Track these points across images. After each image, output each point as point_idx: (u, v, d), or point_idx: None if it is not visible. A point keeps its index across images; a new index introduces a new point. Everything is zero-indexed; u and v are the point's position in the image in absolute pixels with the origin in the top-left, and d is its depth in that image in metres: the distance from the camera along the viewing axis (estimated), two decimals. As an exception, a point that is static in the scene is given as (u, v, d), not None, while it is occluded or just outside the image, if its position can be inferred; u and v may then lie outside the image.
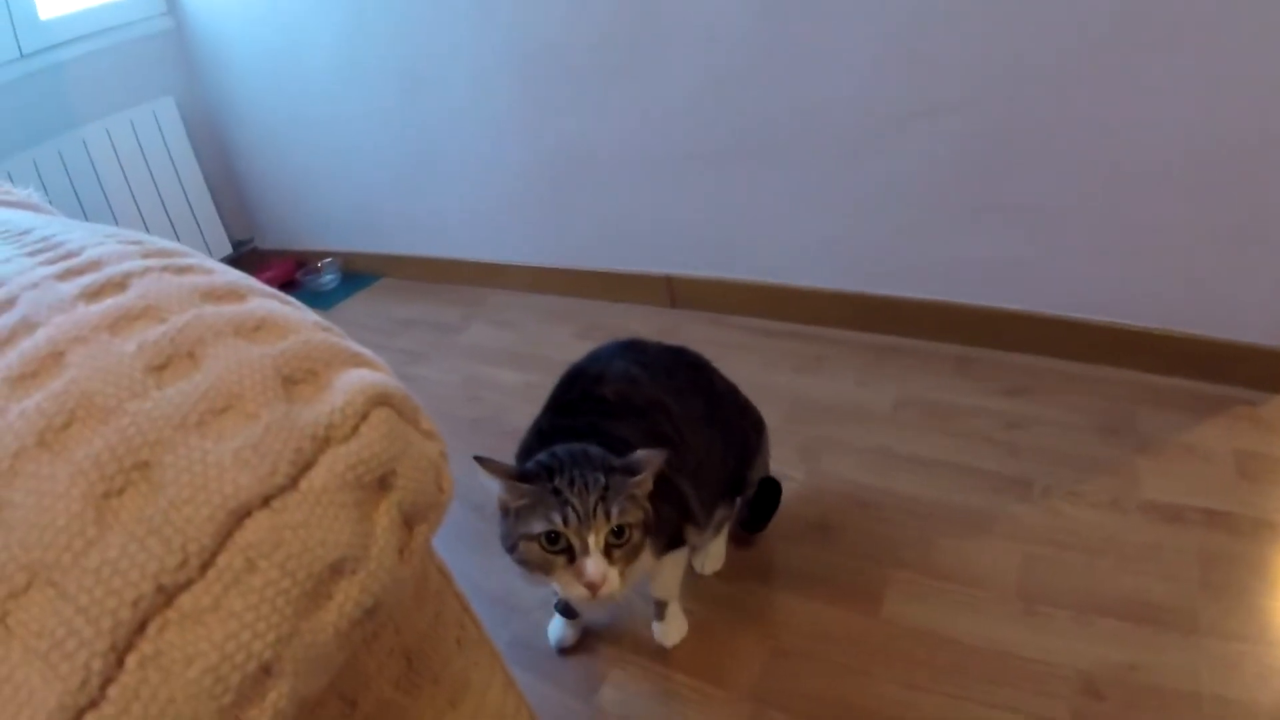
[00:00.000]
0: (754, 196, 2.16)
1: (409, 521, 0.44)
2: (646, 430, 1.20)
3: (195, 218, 3.01)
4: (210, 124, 3.10)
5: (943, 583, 1.42)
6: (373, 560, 0.41)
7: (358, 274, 3.09)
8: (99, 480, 0.36)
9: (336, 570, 0.39)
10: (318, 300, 2.88)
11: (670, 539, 1.23)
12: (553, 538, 1.02)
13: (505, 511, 1.08)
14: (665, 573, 1.31)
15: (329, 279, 3.03)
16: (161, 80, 2.93)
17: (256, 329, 0.45)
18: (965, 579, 1.42)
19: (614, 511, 1.02)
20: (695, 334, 2.26)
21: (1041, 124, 1.75)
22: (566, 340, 2.38)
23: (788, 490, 1.60)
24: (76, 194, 2.66)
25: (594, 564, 1.01)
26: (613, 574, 1.02)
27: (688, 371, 1.38)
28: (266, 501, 0.37)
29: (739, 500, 1.51)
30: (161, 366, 0.41)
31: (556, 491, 1.02)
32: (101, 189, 2.74)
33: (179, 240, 0.67)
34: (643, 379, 1.28)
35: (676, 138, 2.18)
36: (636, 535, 1.06)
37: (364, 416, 0.42)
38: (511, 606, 1.52)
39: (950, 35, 1.75)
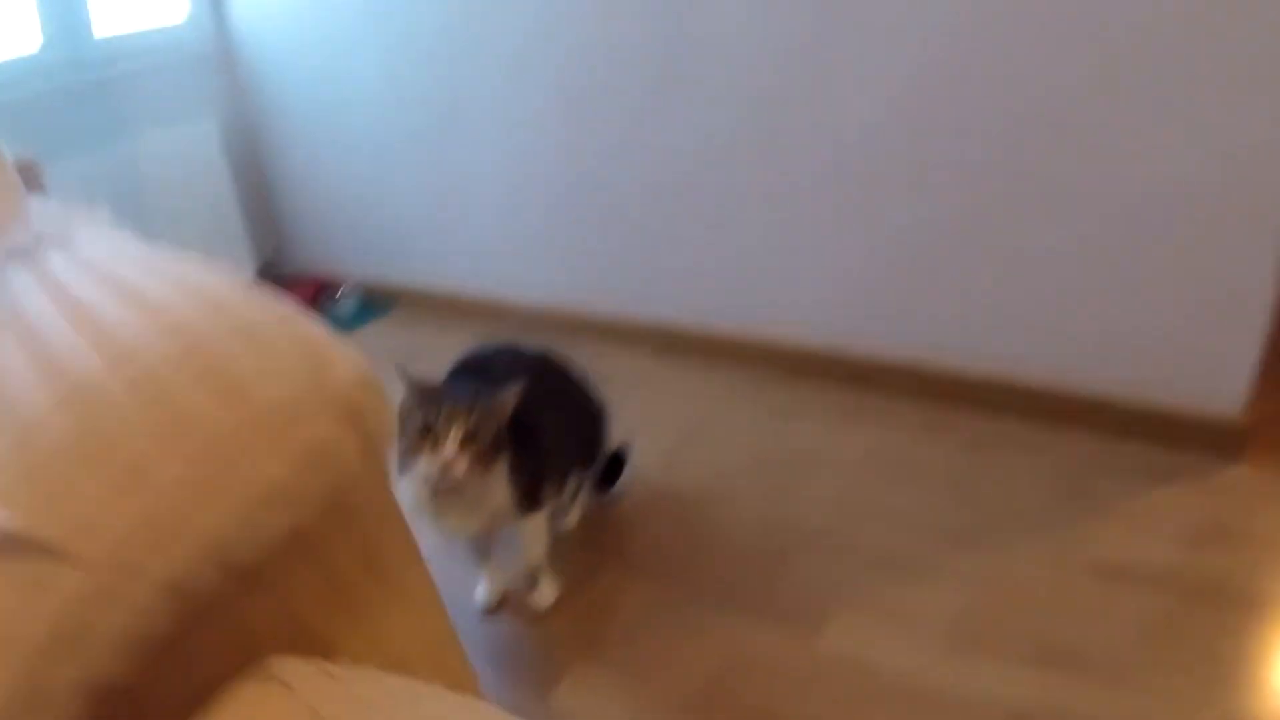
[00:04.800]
0: (749, 254, 2.28)
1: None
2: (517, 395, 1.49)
3: (224, 236, 3.14)
4: (248, 145, 3.26)
5: (884, 620, 1.48)
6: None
7: (377, 302, 3.22)
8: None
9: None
10: (336, 325, 2.97)
11: (529, 496, 1.50)
12: (425, 430, 1.33)
13: (401, 423, 1.37)
14: (529, 534, 1.58)
15: (348, 305, 3.15)
16: (205, 100, 3.09)
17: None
18: (907, 619, 1.48)
19: (472, 420, 1.34)
20: (680, 379, 2.36)
21: (1018, 202, 1.86)
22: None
23: (753, 522, 1.68)
24: (114, 204, 2.79)
25: (449, 447, 1.32)
26: (461, 460, 1.32)
27: (551, 365, 1.73)
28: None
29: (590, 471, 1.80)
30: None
31: (436, 399, 1.36)
32: (139, 201, 2.88)
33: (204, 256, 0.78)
34: (516, 365, 1.62)
35: (688, 186, 2.31)
36: (486, 442, 1.36)
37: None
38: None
39: (938, 111, 1.88)
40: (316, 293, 3.27)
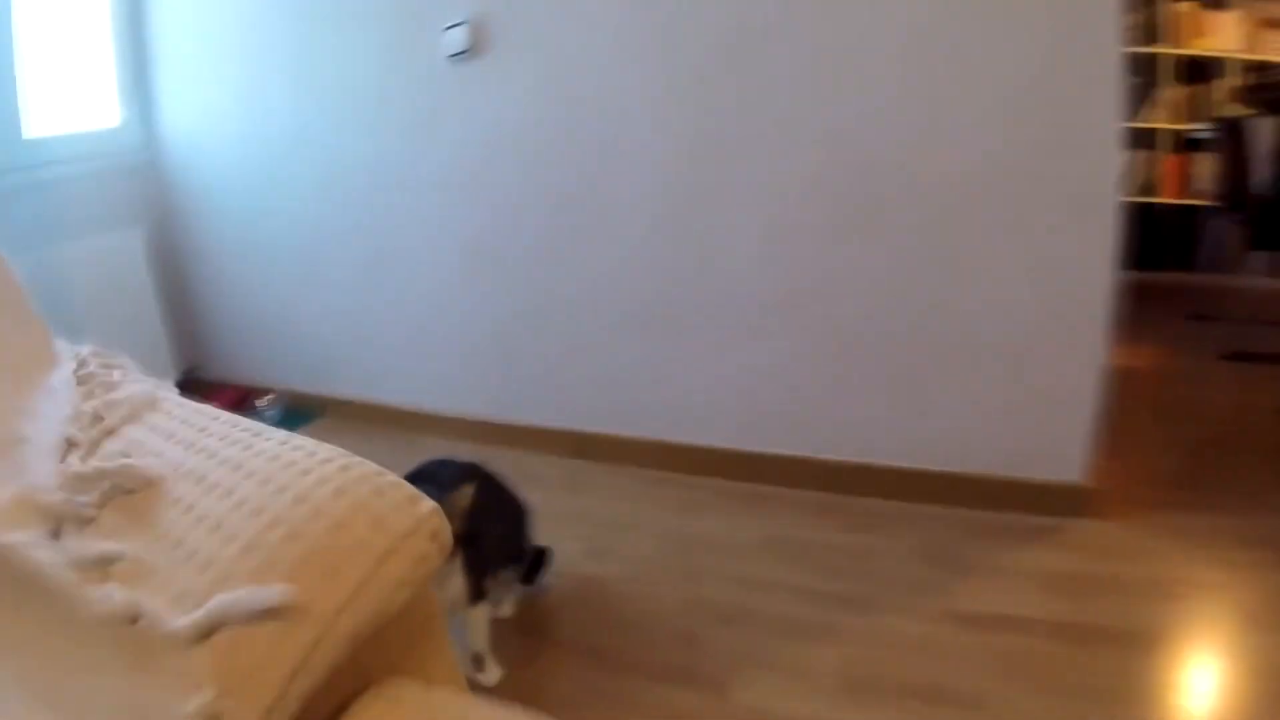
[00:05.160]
0: (655, 365, 2.59)
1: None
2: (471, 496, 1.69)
3: (147, 344, 3.18)
4: (174, 252, 3.34)
5: (785, 676, 1.75)
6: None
7: (299, 411, 3.35)
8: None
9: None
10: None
11: (476, 589, 1.72)
12: None
13: None
14: (476, 621, 1.78)
15: (270, 414, 3.29)
16: (133, 206, 3.16)
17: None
18: (804, 673, 1.75)
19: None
20: (597, 481, 2.64)
21: (882, 325, 2.28)
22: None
23: (669, 602, 1.95)
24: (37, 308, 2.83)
25: None
26: None
27: (483, 472, 1.93)
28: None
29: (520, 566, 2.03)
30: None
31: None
32: (63, 307, 2.82)
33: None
34: (458, 474, 1.81)
35: (597, 308, 2.61)
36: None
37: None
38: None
39: (809, 242, 2.29)
40: (239, 401, 3.38)
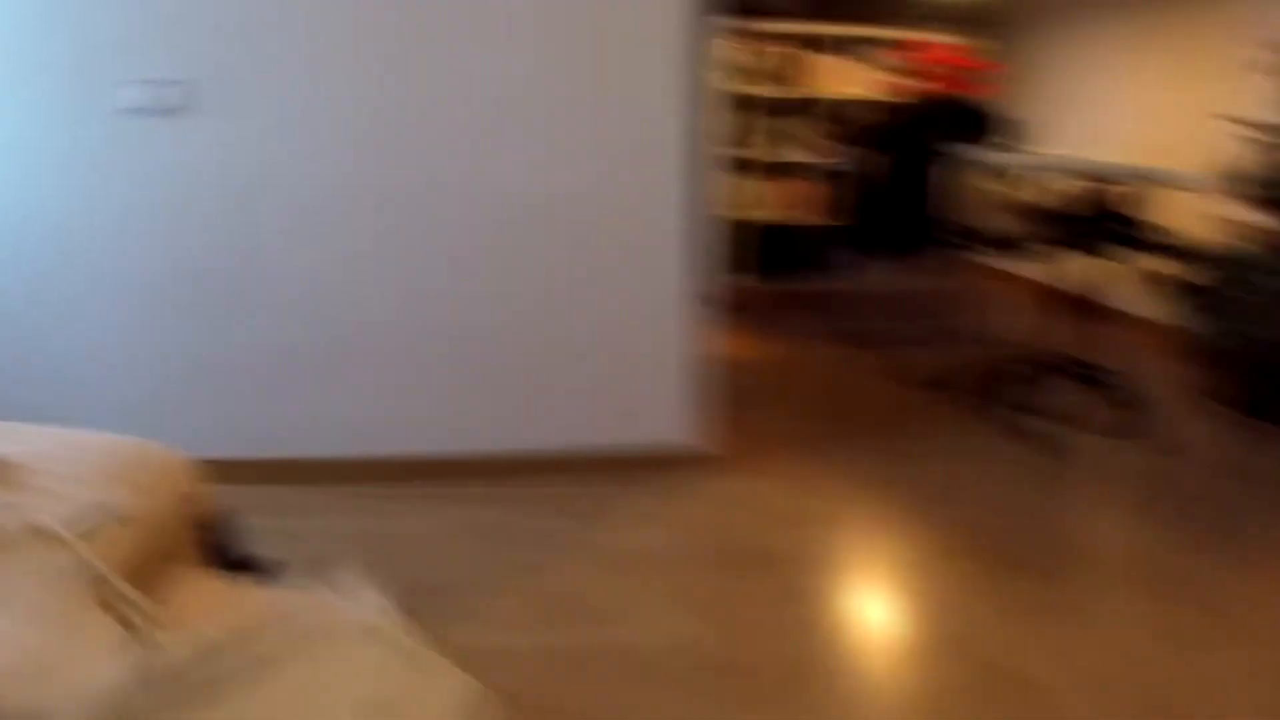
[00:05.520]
0: (329, 390, 2.68)
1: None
2: None
3: None
4: None
5: (482, 622, 1.95)
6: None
7: None
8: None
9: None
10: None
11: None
12: None
13: None
14: None
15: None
16: None
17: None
18: (498, 617, 1.97)
19: None
20: (295, 501, 2.66)
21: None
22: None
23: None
24: None
25: None
26: None
27: None
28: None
29: None
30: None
31: None
32: None
33: None
34: None
35: (278, 345, 2.64)
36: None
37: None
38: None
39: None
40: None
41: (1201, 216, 3.58)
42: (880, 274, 5.44)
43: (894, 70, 5.40)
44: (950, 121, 3.59)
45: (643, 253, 2.59)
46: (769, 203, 5.54)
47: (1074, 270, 3.19)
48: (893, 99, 5.26)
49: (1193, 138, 4.12)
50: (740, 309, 5.11)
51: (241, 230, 2.57)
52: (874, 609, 2.09)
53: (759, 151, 5.41)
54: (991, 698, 1.68)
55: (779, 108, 5.49)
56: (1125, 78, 4.98)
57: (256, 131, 2.49)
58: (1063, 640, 1.87)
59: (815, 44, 5.41)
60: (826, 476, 2.70)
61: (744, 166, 5.38)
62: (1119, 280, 3.38)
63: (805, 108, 5.42)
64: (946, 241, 3.66)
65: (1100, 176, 3.37)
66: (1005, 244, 3.74)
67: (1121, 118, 4.99)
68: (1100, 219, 3.16)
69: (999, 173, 4.92)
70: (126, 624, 0.87)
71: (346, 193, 2.54)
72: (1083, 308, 3.43)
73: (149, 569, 1.01)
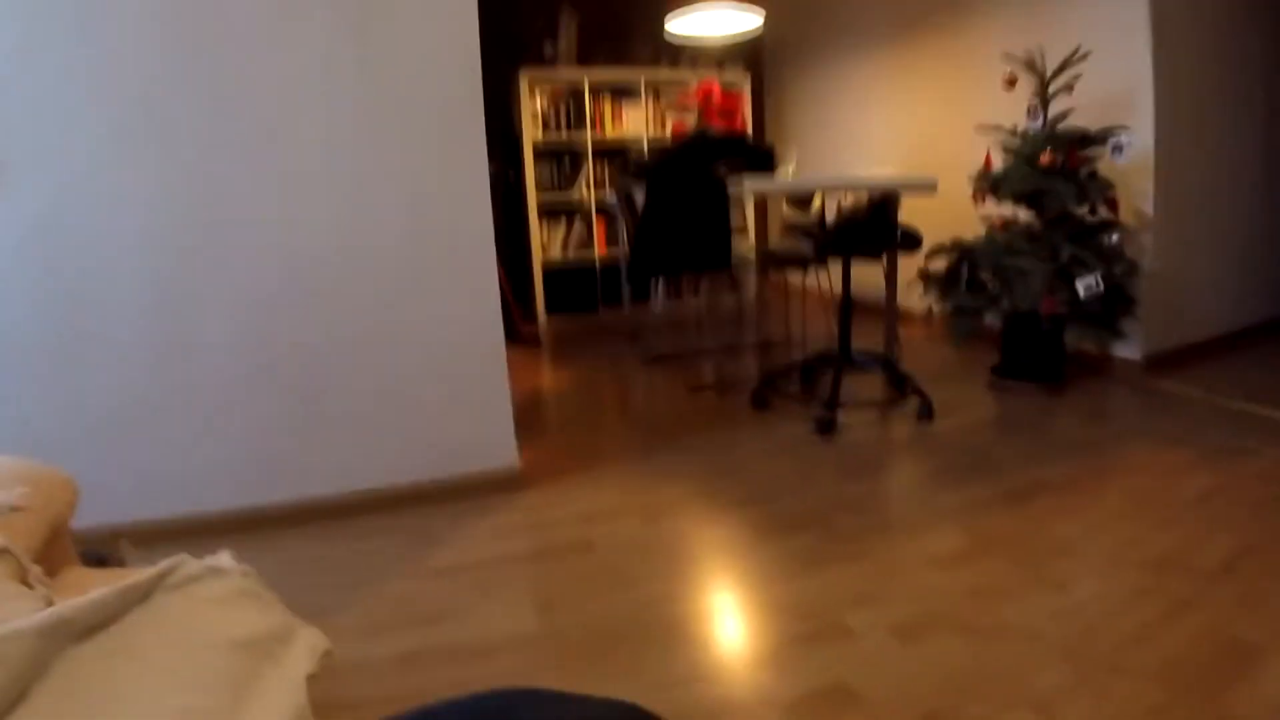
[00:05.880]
0: (169, 441, 2.61)
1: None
2: None
3: None
4: None
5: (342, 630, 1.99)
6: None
7: None
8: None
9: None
10: None
11: None
12: None
13: None
14: None
15: None
16: None
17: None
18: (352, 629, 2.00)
19: None
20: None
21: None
22: None
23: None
24: None
25: None
26: None
27: None
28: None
29: None
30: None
31: None
32: None
33: None
34: None
35: (105, 401, 2.56)
36: None
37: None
38: None
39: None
40: None
41: (959, 215, 4.14)
42: (669, 299, 5.81)
43: (674, 109, 5.84)
44: (717, 152, 3.93)
45: (456, 297, 2.73)
46: (564, 243, 5.80)
47: (848, 274, 3.55)
48: (669, 137, 5.68)
49: (954, 147, 4.72)
50: (545, 343, 5.31)
51: (61, 294, 2.50)
52: (679, 579, 2.26)
53: (554, 195, 5.67)
54: (806, 640, 1.87)
55: (567, 152, 5.78)
56: (888, 98, 5.55)
57: (61, 204, 2.46)
58: (846, 581, 2.12)
59: (601, 91, 5.76)
60: (631, 476, 2.93)
61: (542, 210, 5.62)
62: (890, 279, 3.82)
63: (595, 151, 5.74)
64: (725, 262, 4.00)
65: (855, 188, 3.81)
66: (783, 259, 4.12)
67: (888, 134, 5.57)
68: (863, 227, 3.56)
69: (770, 197, 5.39)
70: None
71: (166, 251, 2.53)
72: (858, 307, 3.84)
73: (40, 554, 1.12)
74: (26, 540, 1.09)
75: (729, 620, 2.02)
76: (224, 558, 1.07)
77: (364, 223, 2.62)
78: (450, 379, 2.76)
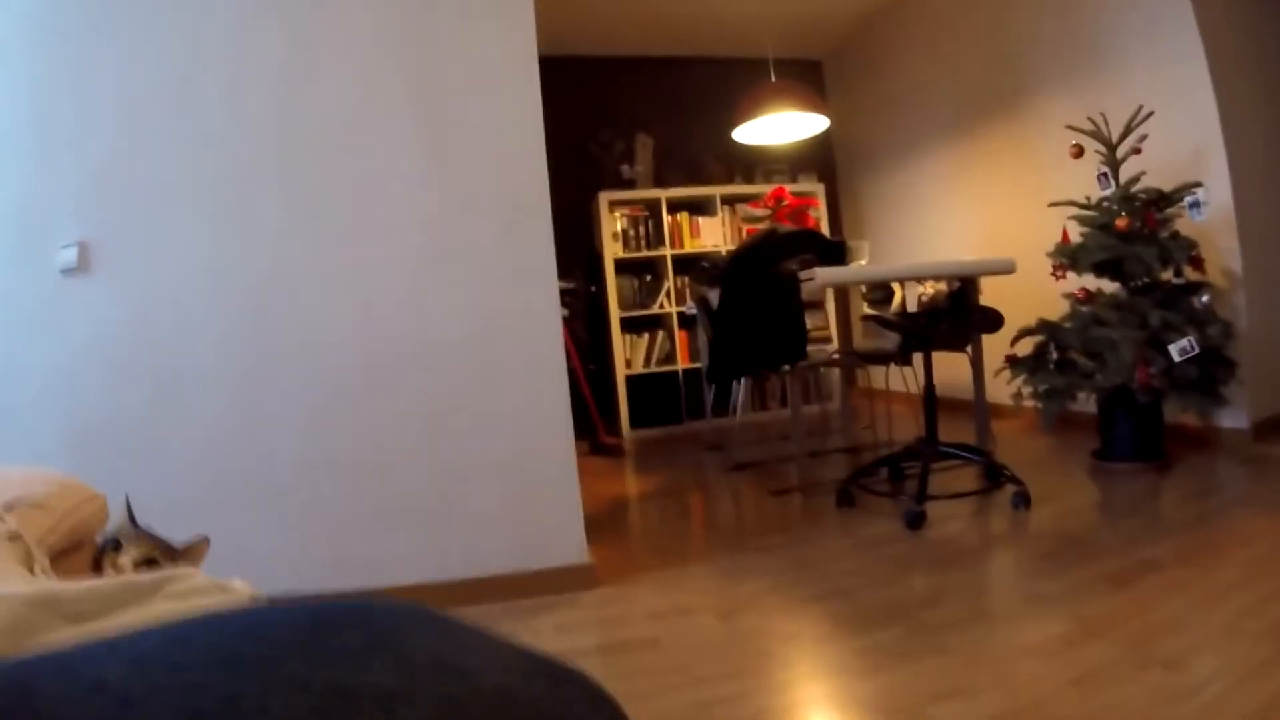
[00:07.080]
0: (250, 531, 2.67)
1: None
2: None
3: None
4: None
5: None
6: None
7: None
8: None
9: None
10: None
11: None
12: None
13: None
14: None
15: None
16: None
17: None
18: None
19: None
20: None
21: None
22: None
23: None
24: None
25: None
26: None
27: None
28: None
29: None
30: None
31: None
32: None
33: None
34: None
35: (188, 493, 2.62)
36: None
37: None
38: None
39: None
40: None
41: (1042, 296, 3.99)
42: (753, 408, 5.73)
43: (748, 220, 5.92)
44: (787, 247, 3.93)
45: (526, 395, 2.76)
46: (647, 355, 5.84)
47: (929, 360, 3.43)
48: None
49: (1028, 227, 4.61)
50: (628, 454, 5.28)
51: (147, 380, 2.65)
52: (752, 676, 2.13)
53: (636, 310, 5.76)
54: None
55: (648, 268, 5.90)
56: (958, 187, 5.53)
57: (155, 290, 2.63)
58: (934, 674, 1.96)
59: (678, 208, 5.91)
60: (706, 575, 2.83)
61: (625, 324, 5.70)
62: (975, 364, 3.68)
63: (675, 266, 5.84)
64: (800, 355, 3.93)
65: (928, 275, 3.73)
66: (868, 357, 4.03)
67: (961, 223, 5.52)
68: (943, 314, 3.47)
69: (850, 290, 5.30)
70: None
71: (248, 340, 2.66)
72: (947, 404, 3.70)
73: (55, 552, 1.20)
74: (41, 534, 1.15)
75: (803, 718, 1.87)
76: (236, 580, 1.06)
77: (436, 320, 2.71)
78: (520, 475, 2.75)
